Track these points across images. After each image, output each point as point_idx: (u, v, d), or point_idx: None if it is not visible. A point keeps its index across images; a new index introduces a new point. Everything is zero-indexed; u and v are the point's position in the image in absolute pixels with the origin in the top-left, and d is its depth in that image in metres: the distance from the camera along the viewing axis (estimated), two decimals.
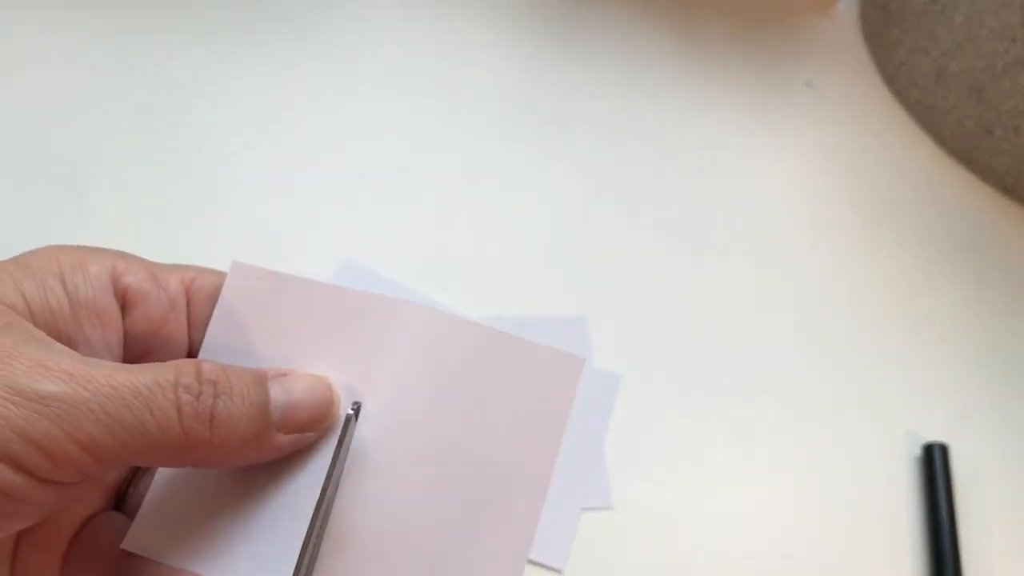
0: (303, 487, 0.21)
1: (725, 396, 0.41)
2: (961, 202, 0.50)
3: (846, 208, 0.49)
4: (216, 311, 0.23)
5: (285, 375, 0.21)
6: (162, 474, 0.22)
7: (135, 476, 0.23)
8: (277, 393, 0.21)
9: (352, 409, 0.22)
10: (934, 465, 0.38)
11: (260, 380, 0.20)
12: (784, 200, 0.49)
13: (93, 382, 0.18)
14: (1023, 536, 0.38)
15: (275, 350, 0.22)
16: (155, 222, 0.43)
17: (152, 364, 0.19)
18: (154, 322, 0.22)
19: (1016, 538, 0.37)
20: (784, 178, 0.50)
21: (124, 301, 0.22)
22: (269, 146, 0.47)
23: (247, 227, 0.44)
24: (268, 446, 0.20)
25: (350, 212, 0.45)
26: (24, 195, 0.44)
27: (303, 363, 0.22)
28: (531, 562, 0.34)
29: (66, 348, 0.19)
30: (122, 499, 0.23)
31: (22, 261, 0.20)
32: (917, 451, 0.39)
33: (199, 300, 0.23)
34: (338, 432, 0.22)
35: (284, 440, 0.21)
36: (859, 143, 0.52)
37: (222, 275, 0.23)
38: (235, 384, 0.20)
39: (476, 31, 0.55)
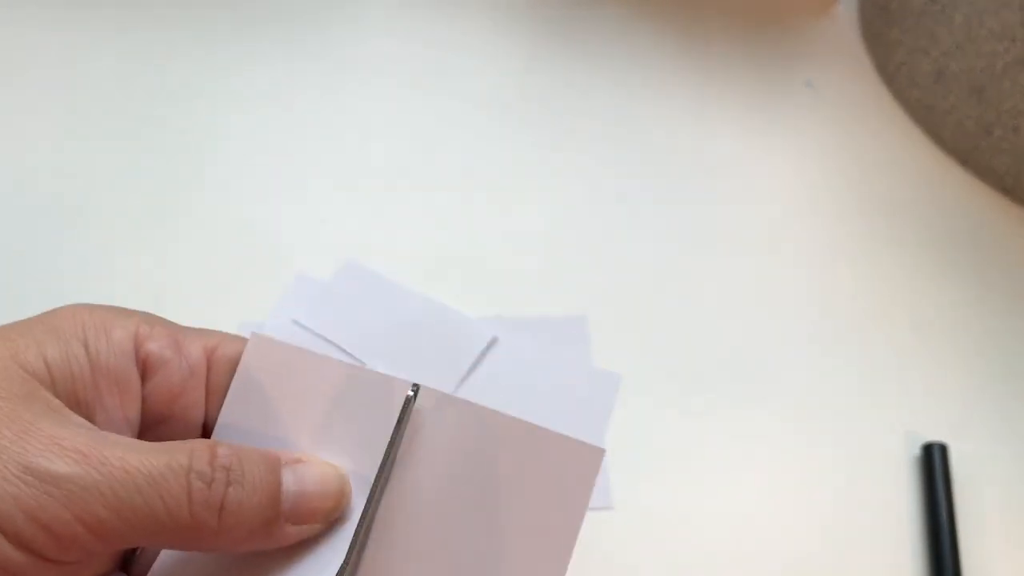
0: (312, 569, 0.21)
1: (724, 396, 0.41)
2: (961, 202, 0.50)
3: (845, 208, 0.49)
4: (233, 384, 0.23)
5: (299, 461, 0.21)
6: (167, 553, 0.22)
7: None
8: (289, 482, 0.20)
9: (411, 391, 0.22)
10: (933, 465, 0.38)
11: (274, 467, 0.20)
12: (783, 200, 0.49)
13: (106, 464, 0.18)
14: (1022, 535, 0.38)
15: (290, 426, 0.22)
16: (155, 222, 0.43)
17: (167, 445, 0.19)
18: (173, 390, 0.22)
19: (1015, 538, 0.37)
20: (783, 178, 0.50)
21: (145, 368, 0.22)
22: (269, 146, 0.47)
23: (247, 227, 0.44)
24: (275, 536, 0.20)
25: (350, 212, 0.45)
26: (24, 195, 0.44)
27: (317, 442, 0.22)
28: None
29: (83, 422, 0.19)
30: (129, 560, 0.22)
31: (49, 322, 0.21)
32: (916, 451, 0.39)
33: (219, 369, 0.23)
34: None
35: (292, 531, 0.20)
36: (858, 143, 0.53)
37: (243, 343, 0.23)
38: (248, 471, 0.20)
39: (476, 31, 0.55)
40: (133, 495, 0.18)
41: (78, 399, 0.20)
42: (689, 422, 0.39)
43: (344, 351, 0.39)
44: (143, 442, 0.19)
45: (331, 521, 0.21)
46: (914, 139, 0.53)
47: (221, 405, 0.22)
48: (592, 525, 0.36)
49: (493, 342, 0.41)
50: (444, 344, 0.40)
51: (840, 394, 0.41)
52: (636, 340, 0.42)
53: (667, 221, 0.47)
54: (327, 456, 0.22)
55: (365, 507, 0.21)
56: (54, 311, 0.21)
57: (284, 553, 0.21)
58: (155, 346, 0.21)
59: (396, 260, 0.43)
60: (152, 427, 0.22)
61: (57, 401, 0.19)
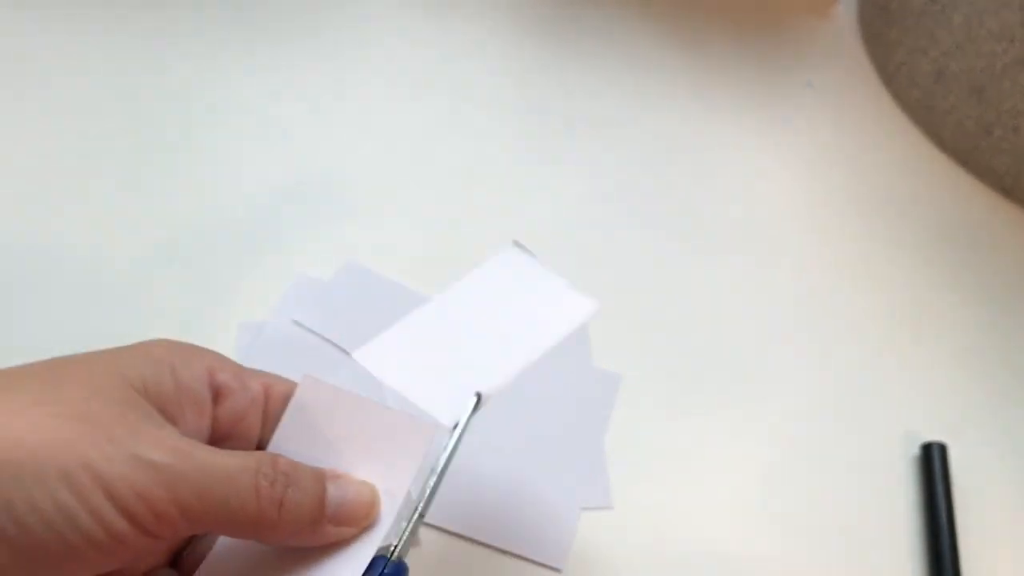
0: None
1: (724, 395, 0.41)
2: (960, 202, 0.50)
3: (845, 208, 0.49)
4: (286, 413, 0.27)
5: (339, 477, 0.26)
6: (220, 546, 0.26)
7: (192, 540, 0.27)
8: (332, 491, 0.25)
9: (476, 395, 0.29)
10: (932, 464, 0.38)
11: (320, 478, 0.25)
12: (783, 200, 0.49)
13: (196, 460, 0.22)
14: (1021, 534, 0.38)
15: (331, 452, 0.27)
16: (154, 223, 0.43)
17: (239, 452, 0.23)
18: (237, 414, 0.26)
19: (1014, 537, 0.38)
20: (783, 178, 0.50)
21: (216, 394, 0.26)
22: (269, 147, 0.48)
23: (248, 228, 0.44)
24: (319, 533, 0.25)
25: (351, 212, 0.45)
26: (23, 197, 0.44)
27: (351, 468, 0.27)
28: (530, 561, 0.35)
29: (174, 429, 0.23)
30: (177, 557, 0.27)
31: (144, 350, 0.25)
32: (916, 451, 0.39)
33: (274, 401, 0.27)
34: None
35: (331, 531, 0.25)
36: (858, 143, 0.53)
37: (293, 385, 0.27)
38: (301, 478, 0.24)
39: (476, 32, 0.55)
40: (215, 486, 0.22)
41: (165, 411, 0.24)
42: (688, 421, 0.40)
43: (344, 351, 0.39)
44: (220, 449, 0.23)
45: (364, 527, 0.25)
46: (914, 139, 0.53)
47: (274, 430, 0.27)
48: (592, 523, 0.36)
49: None
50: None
51: (839, 394, 0.41)
52: (636, 340, 0.42)
53: (667, 221, 0.47)
54: (361, 476, 0.26)
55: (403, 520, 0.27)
56: (148, 342, 0.25)
57: (321, 551, 0.25)
58: (224, 377, 0.26)
59: (396, 260, 0.43)
60: (217, 443, 0.26)
61: (153, 409, 0.23)
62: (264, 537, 0.24)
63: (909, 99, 0.54)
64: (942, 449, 0.38)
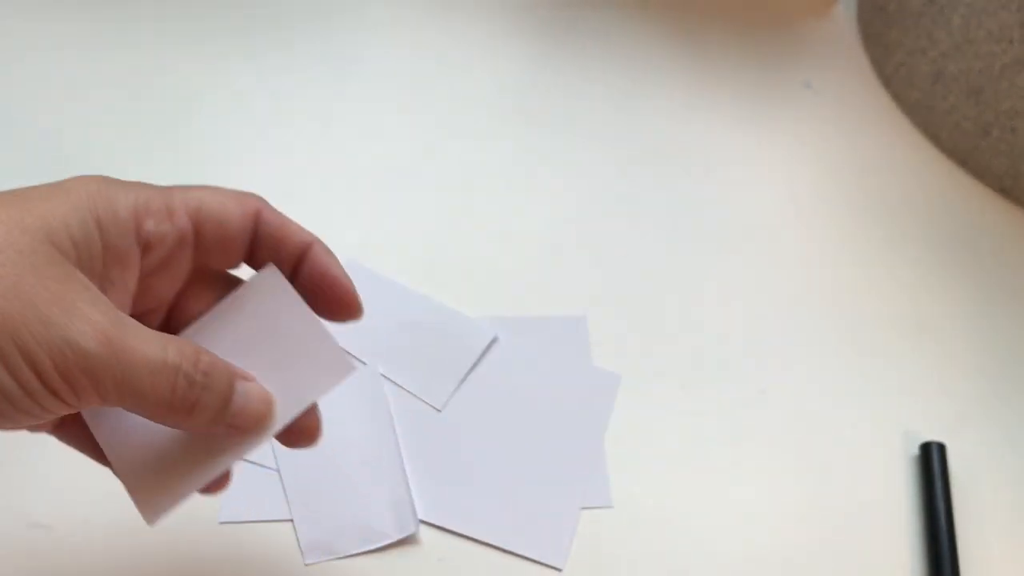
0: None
1: (723, 396, 0.41)
2: (958, 203, 0.50)
3: (844, 208, 0.49)
4: (232, 296, 0.28)
5: (248, 380, 0.26)
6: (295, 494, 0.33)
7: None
8: (239, 396, 0.26)
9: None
10: (932, 464, 0.38)
11: (231, 380, 0.25)
12: (782, 200, 0.49)
13: (124, 352, 0.23)
14: (1019, 534, 0.38)
15: (252, 349, 0.27)
16: None
17: (166, 340, 0.24)
18: (164, 260, 0.26)
19: (1013, 535, 0.38)
20: (782, 178, 0.50)
21: (143, 245, 0.26)
22: (269, 148, 0.48)
23: None
24: (213, 431, 0.26)
25: (351, 213, 0.45)
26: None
27: (262, 373, 0.27)
28: (531, 560, 0.35)
29: (107, 303, 0.23)
30: None
31: (65, 195, 0.24)
32: (915, 450, 0.40)
33: (205, 230, 0.27)
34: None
35: (222, 431, 0.26)
36: (857, 144, 0.53)
37: (224, 206, 0.27)
38: (216, 380, 0.25)
39: (475, 33, 0.55)
40: (135, 379, 0.23)
41: (94, 273, 0.24)
42: (687, 421, 0.40)
43: (345, 351, 0.39)
44: (151, 332, 0.24)
45: (249, 434, 0.26)
46: (912, 140, 0.53)
47: (213, 307, 0.28)
48: (592, 523, 0.36)
49: (494, 341, 0.41)
50: (445, 343, 0.40)
51: (839, 393, 0.41)
52: (635, 340, 0.42)
53: (666, 221, 0.47)
54: (268, 385, 0.27)
55: None
56: (67, 183, 0.25)
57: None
58: (151, 225, 0.26)
59: (397, 261, 0.43)
60: (143, 293, 0.27)
61: (87, 280, 0.23)
62: (170, 424, 0.25)
63: (908, 100, 0.54)
64: (941, 449, 0.39)
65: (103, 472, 0.30)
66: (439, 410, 0.38)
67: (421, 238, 0.45)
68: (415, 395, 0.39)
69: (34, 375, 0.22)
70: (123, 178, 0.46)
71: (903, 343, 0.44)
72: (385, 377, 0.39)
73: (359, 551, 0.34)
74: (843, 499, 0.38)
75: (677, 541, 0.36)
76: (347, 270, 0.42)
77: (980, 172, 0.51)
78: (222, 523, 0.34)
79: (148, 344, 0.23)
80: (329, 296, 0.29)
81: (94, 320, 0.23)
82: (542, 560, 0.35)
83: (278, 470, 0.35)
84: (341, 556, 0.34)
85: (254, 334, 0.28)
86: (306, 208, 0.45)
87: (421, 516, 0.35)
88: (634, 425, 0.39)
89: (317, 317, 0.28)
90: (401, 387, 0.39)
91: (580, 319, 0.42)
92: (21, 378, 0.22)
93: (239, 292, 0.28)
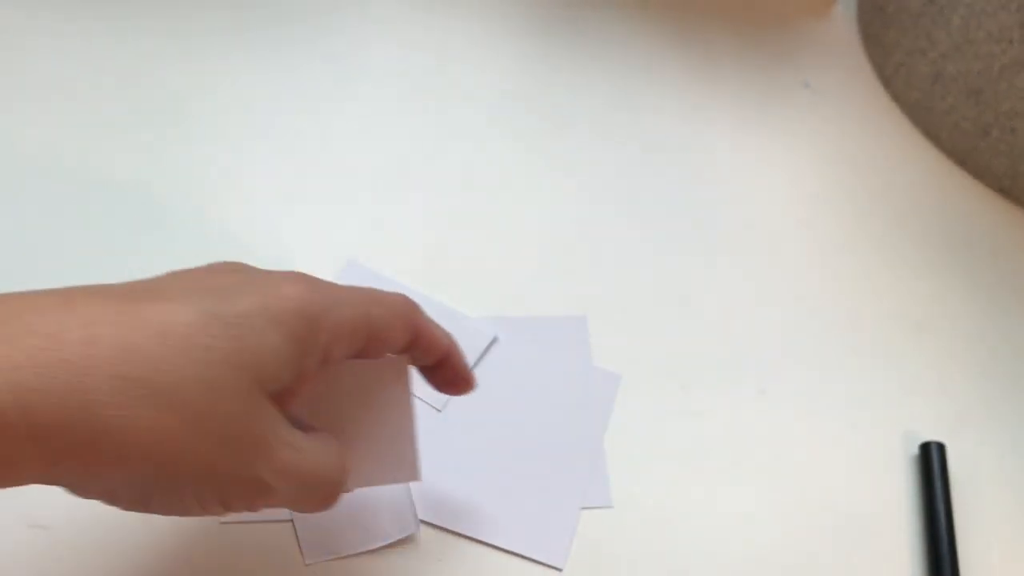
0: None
1: (722, 396, 0.41)
2: (958, 203, 0.50)
3: (843, 209, 0.49)
4: (351, 363, 0.29)
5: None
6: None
7: None
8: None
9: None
10: (931, 464, 0.38)
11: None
12: (781, 201, 0.49)
13: (297, 479, 0.25)
14: (1019, 533, 0.38)
15: (350, 420, 0.30)
16: (155, 224, 0.44)
17: (334, 457, 0.27)
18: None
19: (1013, 535, 0.38)
20: (781, 179, 0.50)
21: (323, 361, 0.27)
22: (270, 148, 0.48)
23: (248, 229, 0.44)
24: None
25: (351, 213, 0.45)
26: (25, 198, 0.44)
27: (349, 441, 0.29)
28: (531, 560, 0.35)
29: (289, 430, 0.25)
30: None
31: (278, 321, 0.24)
32: (914, 450, 0.40)
33: (370, 345, 0.28)
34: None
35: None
36: (856, 144, 0.53)
37: (387, 311, 0.28)
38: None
39: (475, 32, 0.55)
40: (305, 497, 0.26)
41: (281, 400, 0.25)
42: (687, 421, 0.40)
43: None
44: (321, 449, 0.26)
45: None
46: (912, 140, 0.54)
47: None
48: (592, 523, 0.36)
49: (494, 341, 0.41)
50: None
51: (838, 394, 0.41)
52: (635, 340, 0.42)
53: (665, 221, 0.47)
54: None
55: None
56: (274, 297, 0.25)
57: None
58: (340, 348, 0.27)
59: (397, 260, 0.43)
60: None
61: (279, 415, 0.24)
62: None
63: (907, 100, 0.54)
64: (940, 448, 0.39)
65: None
66: (439, 410, 0.38)
67: (421, 237, 0.45)
68: (414, 395, 0.39)
69: (221, 507, 0.24)
70: (122, 183, 0.46)
71: (902, 343, 0.44)
72: None
73: (359, 551, 0.34)
74: (842, 498, 0.38)
75: (678, 541, 0.36)
76: (348, 270, 0.43)
77: (979, 172, 0.51)
78: (223, 523, 0.34)
79: (322, 466, 0.26)
80: (453, 384, 0.32)
81: (285, 459, 0.24)
82: (542, 560, 0.35)
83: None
84: (341, 556, 0.34)
85: (359, 405, 0.30)
86: (306, 208, 0.45)
87: (421, 516, 0.35)
88: (634, 425, 0.39)
89: (416, 419, 0.31)
90: None
91: (580, 319, 0.42)
92: (208, 508, 0.24)
93: (364, 363, 0.29)
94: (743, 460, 0.39)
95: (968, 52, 0.49)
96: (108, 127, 0.47)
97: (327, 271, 0.42)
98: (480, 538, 0.35)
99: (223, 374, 0.22)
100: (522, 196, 0.47)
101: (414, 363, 0.30)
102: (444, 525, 0.35)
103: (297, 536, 0.34)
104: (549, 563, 0.35)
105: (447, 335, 0.30)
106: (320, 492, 0.26)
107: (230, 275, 0.26)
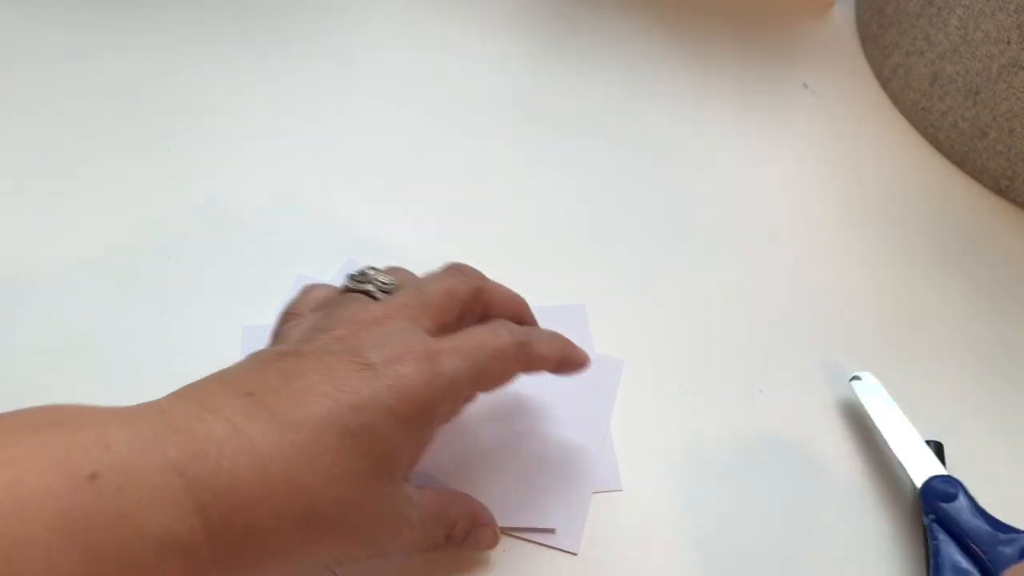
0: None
1: (723, 398, 0.41)
2: (956, 203, 0.51)
3: (841, 209, 0.49)
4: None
5: (486, 527, 0.33)
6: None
7: None
8: (472, 540, 0.33)
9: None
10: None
11: (471, 527, 0.33)
12: (779, 200, 0.49)
13: (423, 538, 0.30)
14: None
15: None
16: (155, 224, 0.44)
17: (437, 520, 0.31)
18: None
19: None
20: (780, 179, 0.50)
21: None
22: (270, 149, 0.48)
23: (248, 229, 0.44)
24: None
25: (351, 212, 0.45)
26: (26, 197, 0.44)
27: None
28: (546, 546, 0.35)
29: (407, 501, 0.29)
30: None
31: (413, 427, 0.28)
32: None
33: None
34: None
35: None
36: (855, 145, 0.53)
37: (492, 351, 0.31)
38: (459, 531, 0.32)
39: (475, 32, 0.56)
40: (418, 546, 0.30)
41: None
42: (689, 421, 0.40)
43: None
44: (433, 513, 0.30)
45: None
46: (910, 141, 0.54)
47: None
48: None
49: None
50: None
51: (837, 391, 0.42)
52: (635, 341, 0.42)
53: (664, 222, 0.47)
54: None
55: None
56: (397, 374, 0.28)
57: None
58: (448, 411, 0.30)
59: (396, 261, 0.44)
60: None
61: (405, 495, 0.29)
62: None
63: (906, 101, 0.54)
64: (939, 447, 0.39)
65: None
66: None
67: (421, 238, 0.45)
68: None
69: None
70: (122, 184, 0.46)
71: (900, 342, 0.44)
72: None
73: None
74: (843, 495, 0.38)
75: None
76: (348, 267, 0.43)
77: (977, 172, 0.52)
78: None
79: (427, 524, 0.30)
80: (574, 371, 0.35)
81: (407, 538, 0.29)
82: (556, 545, 0.35)
83: None
84: None
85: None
86: (306, 208, 0.45)
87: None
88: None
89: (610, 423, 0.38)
90: None
91: (579, 307, 0.43)
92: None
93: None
94: (742, 458, 0.39)
95: (966, 53, 0.49)
96: (107, 129, 0.47)
97: (329, 272, 0.42)
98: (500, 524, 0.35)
99: (363, 488, 0.26)
100: (521, 196, 0.47)
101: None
102: None
103: None
104: (564, 548, 0.35)
105: (556, 345, 0.33)
106: (426, 546, 0.30)
107: (349, 363, 0.27)
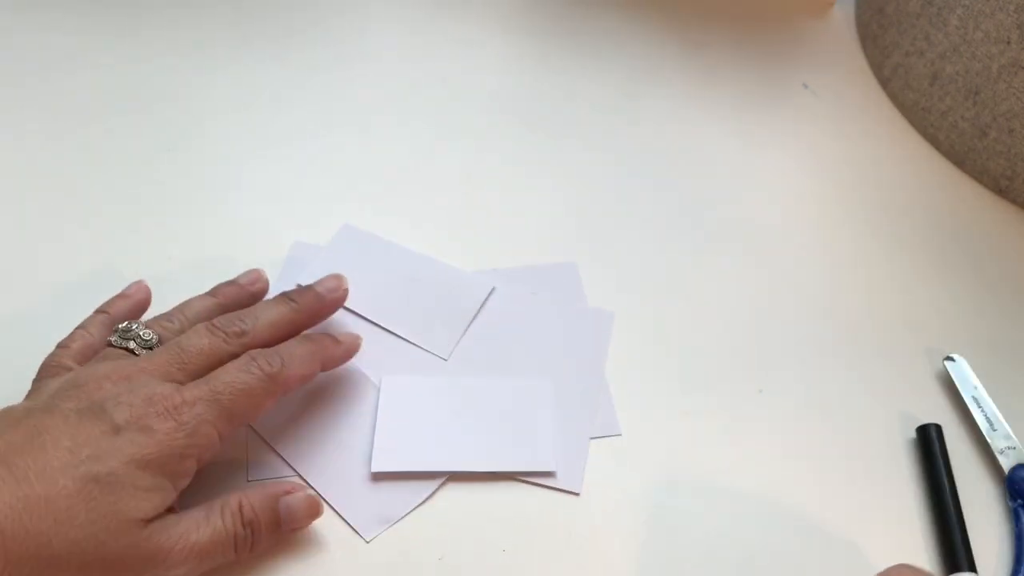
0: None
1: (724, 399, 0.41)
2: (956, 203, 0.51)
3: (841, 208, 0.49)
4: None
5: (288, 493, 0.33)
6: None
7: None
8: (283, 508, 0.33)
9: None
10: (932, 446, 0.39)
11: (274, 503, 0.32)
12: (779, 200, 0.49)
13: (194, 554, 0.30)
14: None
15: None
16: (154, 224, 0.44)
17: (209, 520, 0.31)
18: None
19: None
20: (779, 179, 0.50)
21: None
22: (270, 149, 0.48)
23: (248, 229, 0.44)
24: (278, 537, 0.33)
25: (351, 214, 0.45)
26: (27, 198, 0.44)
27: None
28: (550, 488, 0.36)
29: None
30: None
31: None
32: (912, 434, 0.40)
33: None
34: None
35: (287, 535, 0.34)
36: (855, 145, 0.53)
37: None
38: (262, 518, 0.32)
39: (475, 32, 0.56)
40: (204, 562, 0.31)
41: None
42: (691, 423, 0.40)
43: (351, 311, 0.40)
44: (200, 526, 0.31)
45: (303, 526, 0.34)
46: (910, 140, 0.54)
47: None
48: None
49: (492, 291, 0.42)
50: (447, 297, 0.42)
51: (835, 393, 0.42)
52: (635, 339, 0.42)
53: (664, 222, 0.47)
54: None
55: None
56: (134, 439, 0.30)
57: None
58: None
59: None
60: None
61: (166, 524, 0.30)
62: (233, 561, 0.32)
63: (905, 101, 0.55)
64: (938, 429, 0.39)
65: None
66: (445, 359, 0.40)
67: (421, 238, 0.45)
68: (421, 347, 0.40)
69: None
70: (122, 183, 0.46)
71: (900, 342, 0.44)
72: (390, 332, 0.40)
73: (411, 509, 0.35)
74: (844, 489, 0.38)
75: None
76: (343, 232, 0.43)
77: (977, 172, 0.52)
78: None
79: (201, 536, 0.30)
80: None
81: (179, 552, 0.30)
82: (559, 486, 0.36)
83: (300, 475, 0.36)
84: (397, 520, 0.35)
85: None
86: (306, 208, 0.45)
87: (445, 461, 0.36)
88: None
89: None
90: (407, 340, 0.40)
91: (571, 265, 0.44)
92: None
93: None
94: (742, 457, 0.39)
95: (966, 53, 0.49)
96: (106, 129, 0.47)
97: (323, 239, 0.42)
98: (500, 470, 0.36)
99: (108, 527, 0.28)
100: (520, 196, 0.47)
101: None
102: (466, 468, 0.36)
103: (347, 521, 0.35)
104: (566, 489, 0.36)
105: (310, 356, 0.34)
106: (230, 547, 0.31)
107: (94, 420, 0.29)
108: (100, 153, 0.46)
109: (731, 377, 0.41)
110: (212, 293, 0.37)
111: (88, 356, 0.34)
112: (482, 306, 0.42)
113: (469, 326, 0.41)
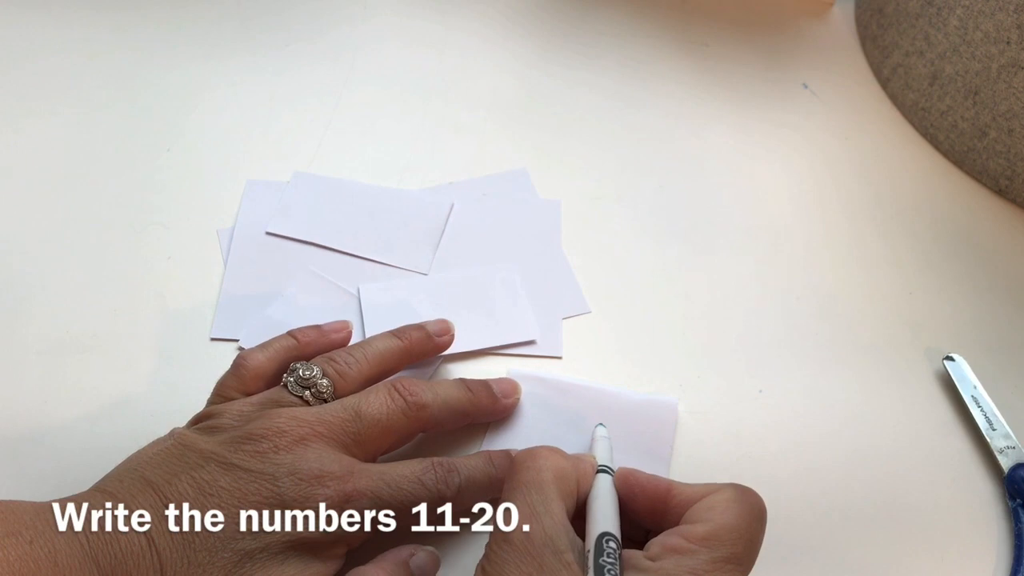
0: None
1: (724, 396, 0.41)
2: (956, 203, 0.51)
3: (841, 209, 0.49)
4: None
5: (413, 554, 0.32)
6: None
7: None
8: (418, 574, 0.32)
9: None
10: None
11: (406, 571, 0.31)
12: (779, 200, 0.49)
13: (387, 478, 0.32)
14: None
15: None
16: (155, 224, 0.44)
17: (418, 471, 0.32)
18: None
19: None
20: (779, 179, 0.50)
21: None
22: (270, 149, 0.48)
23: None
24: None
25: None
26: (27, 198, 0.44)
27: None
28: (536, 356, 0.41)
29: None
30: None
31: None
32: (912, 433, 0.40)
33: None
34: None
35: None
36: (855, 145, 0.53)
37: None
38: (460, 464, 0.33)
39: (476, 32, 0.56)
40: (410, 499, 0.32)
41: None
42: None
43: (323, 247, 0.43)
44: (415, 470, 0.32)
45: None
46: (910, 141, 0.54)
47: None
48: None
49: (452, 209, 0.45)
50: (411, 221, 0.44)
51: (834, 395, 0.42)
52: (634, 339, 0.42)
53: (664, 220, 0.47)
54: None
55: None
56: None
57: None
58: None
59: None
60: None
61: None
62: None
63: (905, 101, 0.55)
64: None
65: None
66: (426, 274, 0.43)
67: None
68: (401, 267, 0.43)
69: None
70: (121, 183, 0.46)
71: (900, 342, 0.44)
72: (370, 260, 0.43)
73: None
74: (844, 485, 0.38)
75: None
76: (296, 179, 0.45)
77: (977, 173, 0.52)
78: None
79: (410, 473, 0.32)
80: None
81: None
82: (542, 353, 0.41)
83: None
84: None
85: None
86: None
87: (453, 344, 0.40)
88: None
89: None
90: (387, 264, 0.43)
91: (522, 171, 0.48)
92: None
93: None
94: (740, 460, 0.39)
95: (966, 53, 0.49)
96: (106, 129, 0.47)
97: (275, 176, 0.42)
98: (488, 347, 0.41)
99: None
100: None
101: None
102: (457, 350, 0.40)
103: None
104: (549, 354, 0.41)
105: (485, 467, 0.34)
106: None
107: (261, 488, 0.30)
108: (99, 152, 0.46)
109: (731, 377, 0.41)
110: (397, 335, 0.36)
111: (259, 386, 0.34)
112: (446, 224, 0.44)
113: (439, 244, 0.44)
